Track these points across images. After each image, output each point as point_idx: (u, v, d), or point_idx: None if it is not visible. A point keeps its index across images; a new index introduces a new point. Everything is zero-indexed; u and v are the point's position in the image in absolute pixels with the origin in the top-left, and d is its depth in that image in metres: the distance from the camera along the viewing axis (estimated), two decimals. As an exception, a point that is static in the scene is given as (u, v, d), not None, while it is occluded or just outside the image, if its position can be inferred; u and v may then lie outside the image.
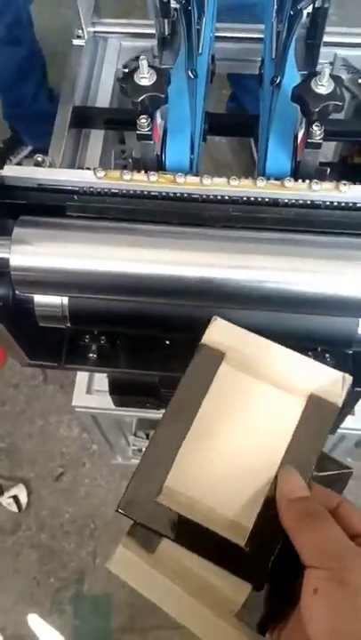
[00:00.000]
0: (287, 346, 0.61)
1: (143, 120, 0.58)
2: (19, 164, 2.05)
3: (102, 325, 0.70)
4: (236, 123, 0.88)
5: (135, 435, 1.65)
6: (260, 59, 0.90)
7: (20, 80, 1.68)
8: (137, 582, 0.44)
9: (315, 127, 0.58)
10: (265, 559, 0.43)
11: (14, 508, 1.70)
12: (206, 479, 0.46)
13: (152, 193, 0.62)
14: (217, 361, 0.52)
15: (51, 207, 0.62)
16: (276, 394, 0.50)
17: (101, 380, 1.14)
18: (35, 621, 1.60)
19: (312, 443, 0.47)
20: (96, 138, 0.91)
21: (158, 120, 0.63)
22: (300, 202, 0.60)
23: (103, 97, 0.95)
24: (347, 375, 0.52)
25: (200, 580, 0.43)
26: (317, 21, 0.79)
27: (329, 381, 0.51)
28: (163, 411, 1.01)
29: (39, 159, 0.71)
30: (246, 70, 0.97)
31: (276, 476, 0.46)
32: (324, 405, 0.49)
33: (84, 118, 0.87)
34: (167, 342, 0.78)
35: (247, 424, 0.48)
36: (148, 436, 1.68)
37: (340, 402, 0.49)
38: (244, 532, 0.44)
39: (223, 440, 0.48)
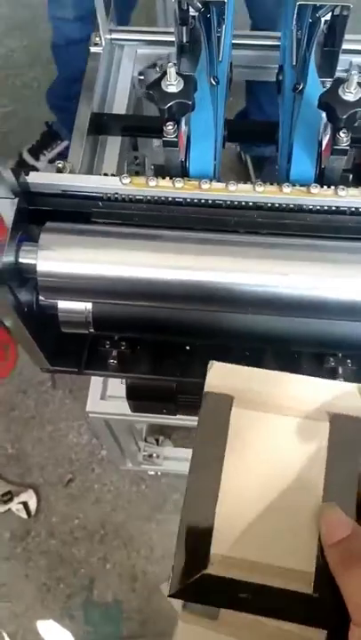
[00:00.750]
0: (311, 351, 0.61)
1: (170, 127, 0.59)
2: (52, 160, 2.02)
3: (125, 331, 0.70)
4: (255, 129, 0.88)
5: (146, 440, 1.65)
6: (276, 66, 0.91)
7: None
8: None
9: (341, 134, 0.58)
10: (337, 600, 0.39)
11: (24, 514, 1.70)
12: (252, 534, 0.43)
13: (177, 199, 0.62)
14: (227, 406, 0.48)
15: (76, 213, 0.63)
16: (296, 424, 0.47)
17: (115, 386, 1.15)
18: (45, 627, 1.59)
19: (348, 465, 0.44)
20: (113, 144, 0.92)
21: (183, 128, 0.63)
22: (326, 208, 0.60)
23: (120, 104, 0.95)
24: (358, 386, 0.48)
25: (272, 630, 0.41)
26: (336, 29, 0.79)
27: (346, 396, 0.47)
28: (179, 417, 1.02)
29: (60, 165, 0.72)
30: (262, 77, 0.97)
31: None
32: (349, 422, 0.46)
33: (102, 125, 0.88)
34: (187, 348, 0.78)
35: (277, 465, 0.45)
36: (158, 441, 1.69)
37: None
38: (308, 578, 0.41)
39: (257, 488, 0.45)
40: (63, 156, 1.92)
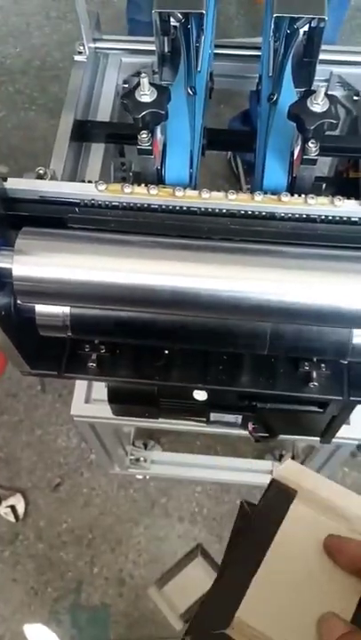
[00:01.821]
0: (285, 355, 0.62)
1: (144, 135, 0.60)
2: None
3: (103, 335, 0.72)
4: (234, 138, 0.90)
5: (133, 444, 1.66)
6: (257, 75, 0.92)
7: None
8: None
9: (310, 144, 0.60)
10: None
11: (12, 518, 1.70)
12: (279, 614, 0.45)
13: (152, 206, 0.63)
14: (289, 497, 0.51)
15: (53, 219, 0.64)
16: (348, 535, 0.49)
17: (100, 389, 1.16)
18: (32, 631, 1.60)
19: None
20: (96, 151, 0.93)
21: (158, 135, 0.65)
22: (296, 216, 0.62)
23: (104, 111, 0.97)
24: None
25: None
26: (313, 40, 0.81)
27: None
28: (163, 420, 1.03)
29: (41, 171, 0.73)
30: (244, 87, 0.99)
31: (350, 619, 0.44)
32: None
33: (85, 132, 0.89)
34: (166, 352, 0.80)
35: (321, 563, 0.47)
36: (145, 445, 1.69)
37: None
38: None
39: (297, 576, 0.47)
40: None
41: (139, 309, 0.63)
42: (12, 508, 1.71)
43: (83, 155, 0.94)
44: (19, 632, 1.59)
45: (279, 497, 0.51)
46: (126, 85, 1.00)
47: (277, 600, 0.45)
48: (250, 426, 0.96)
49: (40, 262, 0.60)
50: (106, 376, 0.79)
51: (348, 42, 2.22)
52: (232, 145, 0.91)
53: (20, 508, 1.71)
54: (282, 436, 1.02)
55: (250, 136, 0.81)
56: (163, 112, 0.59)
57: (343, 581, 0.46)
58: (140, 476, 1.72)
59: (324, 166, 1.14)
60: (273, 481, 0.53)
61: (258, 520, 0.50)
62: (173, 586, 1.58)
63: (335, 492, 0.51)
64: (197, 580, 1.60)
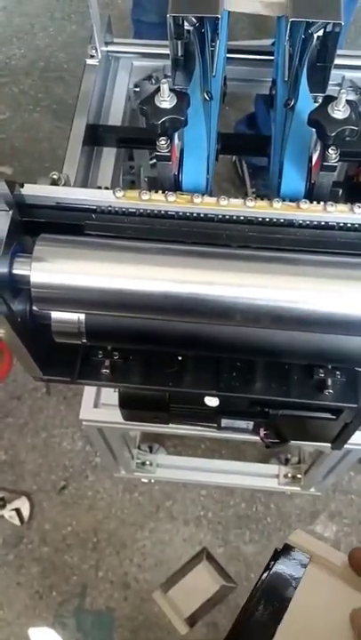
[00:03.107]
0: (300, 362, 0.62)
1: (163, 142, 0.60)
2: None
3: (117, 342, 0.71)
4: (248, 143, 0.89)
5: (139, 448, 1.65)
6: (270, 79, 0.92)
7: None
8: None
9: (330, 151, 0.59)
10: None
11: (16, 521, 1.70)
12: None
13: (169, 212, 0.63)
14: (305, 560, 0.54)
15: (69, 225, 0.63)
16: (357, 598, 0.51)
17: (109, 393, 1.15)
18: (36, 635, 1.59)
19: None
20: (108, 155, 0.93)
21: (176, 141, 0.64)
22: (315, 223, 0.61)
23: (115, 115, 0.96)
24: None
25: None
26: (328, 45, 0.80)
27: None
28: (171, 425, 1.03)
29: (55, 177, 0.73)
30: (257, 91, 0.98)
31: None
32: None
33: (98, 136, 0.89)
34: (179, 358, 0.79)
35: (336, 626, 0.49)
36: (151, 449, 1.69)
37: None
38: None
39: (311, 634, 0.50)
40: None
41: (156, 317, 0.62)
42: (17, 510, 1.70)
43: (94, 159, 0.93)
44: (23, 636, 1.58)
45: (294, 560, 0.53)
46: (137, 89, 1.00)
47: None
48: (261, 432, 0.95)
49: (58, 269, 0.60)
50: (119, 382, 0.79)
51: (354, 44, 2.22)
52: (245, 150, 0.90)
53: (25, 511, 1.71)
54: (292, 442, 1.02)
55: (263, 141, 0.81)
56: (182, 118, 0.58)
57: None
58: (145, 480, 1.72)
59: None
60: (286, 546, 0.55)
61: (272, 582, 0.52)
62: (178, 590, 1.57)
63: (343, 559, 0.53)
64: (202, 584, 1.59)
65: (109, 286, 0.59)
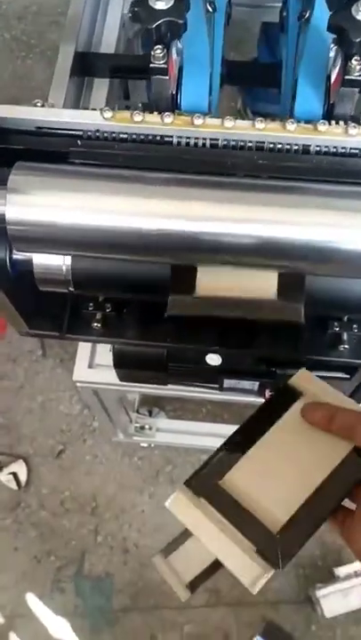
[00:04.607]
0: (313, 313, 0.58)
1: (158, 51, 0.51)
2: None
3: (109, 290, 0.64)
4: (256, 71, 0.80)
5: (138, 412, 1.59)
6: (279, 4, 0.82)
7: None
8: (185, 518, 0.52)
9: (354, 61, 0.51)
10: (291, 548, 0.49)
11: (14, 485, 1.65)
12: (259, 481, 0.53)
13: (166, 137, 0.55)
14: (294, 398, 0.57)
15: (51, 154, 0.55)
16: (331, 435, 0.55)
17: (104, 353, 1.08)
18: (35, 600, 1.56)
19: (341, 485, 0.52)
20: (99, 88, 0.84)
21: (174, 55, 0.55)
22: (334, 148, 0.53)
23: (108, 44, 0.87)
24: None
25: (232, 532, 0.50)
26: None
27: None
28: (170, 387, 0.96)
29: (38, 104, 0.64)
30: (264, 18, 0.89)
31: (311, 496, 0.51)
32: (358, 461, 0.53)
33: (88, 65, 0.79)
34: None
35: (302, 450, 0.54)
36: (150, 413, 1.63)
37: None
38: (278, 523, 0.50)
39: (281, 457, 0.54)
40: None
41: (151, 259, 0.55)
42: (14, 474, 1.65)
43: (85, 92, 0.84)
44: (21, 601, 1.55)
45: (286, 396, 0.57)
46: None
47: (261, 471, 0.53)
48: (267, 393, 0.88)
49: (37, 202, 0.51)
50: (112, 337, 0.71)
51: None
52: (254, 78, 0.81)
53: (22, 475, 1.66)
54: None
55: (273, 68, 0.72)
56: (181, 22, 0.50)
57: (329, 441, 0.53)
58: (145, 444, 1.66)
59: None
60: (285, 385, 0.59)
61: (262, 411, 0.57)
62: (179, 555, 1.52)
63: (339, 399, 0.57)
64: (204, 550, 1.55)
65: (97, 223, 0.51)
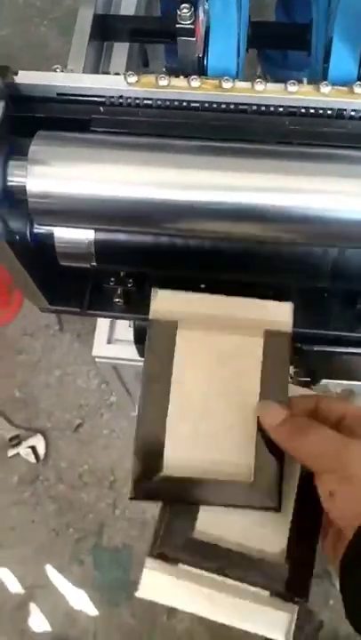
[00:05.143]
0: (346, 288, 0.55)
1: (185, 10, 0.48)
2: None
3: (133, 265, 0.61)
4: (284, 31, 0.76)
5: (156, 386, 1.58)
6: None
7: None
8: (170, 599, 0.45)
9: (395, 18, 0.47)
10: (275, 483, 0.46)
11: (32, 459, 1.66)
12: (198, 438, 0.49)
13: (192, 104, 0.52)
14: (172, 330, 0.53)
15: (73, 121, 0.53)
16: (235, 340, 0.52)
17: (123, 329, 1.07)
18: (54, 571, 1.58)
19: (280, 373, 0.51)
20: (120, 53, 0.80)
21: (201, 15, 0.52)
22: (373, 113, 0.50)
23: (127, 6, 0.83)
24: (289, 303, 0.56)
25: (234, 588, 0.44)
26: None
27: (277, 314, 0.55)
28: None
29: (58, 70, 0.61)
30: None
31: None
32: (279, 337, 0.52)
33: (107, 28, 0.76)
34: (203, 286, 0.69)
35: (220, 375, 0.50)
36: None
37: (290, 329, 0.54)
38: (249, 468, 0.47)
39: (203, 398, 0.50)
40: None
41: (177, 232, 0.52)
42: (33, 448, 1.66)
43: (103, 58, 0.81)
44: (40, 573, 1.57)
45: (162, 333, 0.53)
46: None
47: (193, 426, 0.48)
48: (291, 370, 0.86)
49: (59, 174, 0.49)
50: (134, 313, 0.69)
51: None
52: (282, 40, 0.77)
53: (41, 449, 1.67)
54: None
55: (303, 29, 0.68)
56: (210, -23, 0.46)
57: (244, 385, 0.50)
58: (163, 419, 1.66)
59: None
60: (151, 322, 0.54)
61: (150, 365, 0.52)
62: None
63: (209, 304, 0.54)
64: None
65: (123, 194, 0.49)
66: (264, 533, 0.46)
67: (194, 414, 0.49)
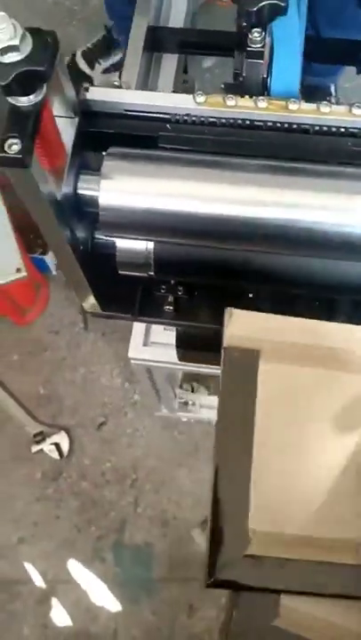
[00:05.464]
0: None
1: (256, 34, 0.49)
2: (106, 71, 1.77)
3: (188, 275, 0.63)
4: (338, 48, 0.77)
5: (181, 387, 1.60)
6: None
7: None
8: None
9: None
10: None
11: (56, 455, 1.68)
12: (294, 504, 0.38)
13: (257, 122, 0.53)
14: (252, 360, 0.42)
15: (140, 138, 0.54)
16: (333, 378, 0.40)
17: (158, 331, 1.08)
18: (75, 567, 1.60)
19: None
20: (169, 63, 0.82)
21: (267, 38, 0.54)
22: None
23: (177, 18, 0.85)
24: None
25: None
26: None
27: None
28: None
29: (116, 83, 0.63)
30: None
31: None
32: None
33: (159, 39, 0.78)
34: (250, 295, 0.71)
35: (320, 422, 0.39)
36: (193, 388, 1.64)
37: None
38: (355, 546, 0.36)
39: (297, 452, 0.39)
40: (116, 67, 1.71)
41: (242, 247, 0.54)
42: (57, 445, 1.68)
43: (153, 68, 0.83)
44: (62, 568, 1.59)
45: (241, 365, 0.42)
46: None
47: (287, 488, 0.38)
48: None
49: (130, 189, 0.51)
50: (183, 320, 0.71)
51: None
52: (334, 55, 0.78)
53: (65, 446, 1.68)
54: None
55: (355, 46, 0.69)
56: (283, 4, 0.48)
57: (348, 436, 0.38)
58: (185, 419, 1.67)
59: None
60: (226, 350, 0.44)
61: (226, 405, 0.41)
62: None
63: (299, 331, 0.42)
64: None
65: (189, 210, 0.51)
66: None
67: (287, 477, 0.39)
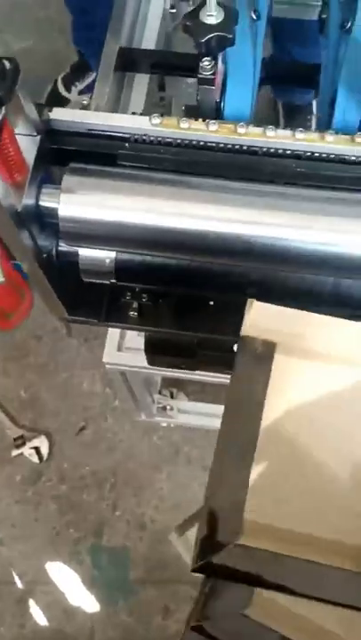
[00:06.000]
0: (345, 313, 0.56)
1: (206, 63, 0.54)
2: (82, 92, 1.84)
3: (149, 283, 0.67)
4: (295, 72, 0.82)
5: (160, 393, 1.64)
6: (319, 3, 0.84)
7: (94, 4, 1.51)
8: None
9: (394, 77, 0.53)
10: None
11: (35, 459, 1.71)
12: (293, 500, 0.36)
13: (209, 144, 0.58)
14: (268, 352, 0.41)
15: (100, 155, 0.59)
16: (349, 376, 0.39)
17: (133, 337, 1.12)
18: (54, 569, 1.63)
19: None
20: (140, 82, 0.86)
21: (220, 66, 0.58)
22: (371, 160, 0.56)
23: (149, 39, 0.89)
24: None
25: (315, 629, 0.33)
26: None
27: None
28: (198, 372, 1.00)
29: (85, 102, 0.67)
30: (305, 16, 0.90)
31: None
32: None
33: (131, 61, 0.82)
34: (211, 303, 0.75)
35: (329, 421, 0.37)
36: (172, 394, 1.67)
37: None
38: (359, 552, 0.34)
39: (304, 449, 0.37)
40: (91, 89, 1.80)
41: (190, 258, 0.58)
42: (36, 449, 1.71)
43: (125, 87, 0.87)
44: (40, 570, 1.62)
45: (256, 355, 0.41)
46: (174, 10, 0.92)
47: (288, 482, 0.36)
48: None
49: (88, 202, 0.55)
50: (147, 326, 0.75)
51: None
52: (292, 79, 0.83)
53: (44, 450, 1.71)
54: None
55: (313, 70, 0.74)
56: (230, 36, 0.52)
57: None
58: (165, 424, 1.71)
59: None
60: (243, 339, 0.42)
61: (237, 392, 0.41)
62: (195, 532, 1.59)
63: (317, 326, 0.42)
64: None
65: (144, 223, 0.55)
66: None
67: (290, 469, 0.37)
